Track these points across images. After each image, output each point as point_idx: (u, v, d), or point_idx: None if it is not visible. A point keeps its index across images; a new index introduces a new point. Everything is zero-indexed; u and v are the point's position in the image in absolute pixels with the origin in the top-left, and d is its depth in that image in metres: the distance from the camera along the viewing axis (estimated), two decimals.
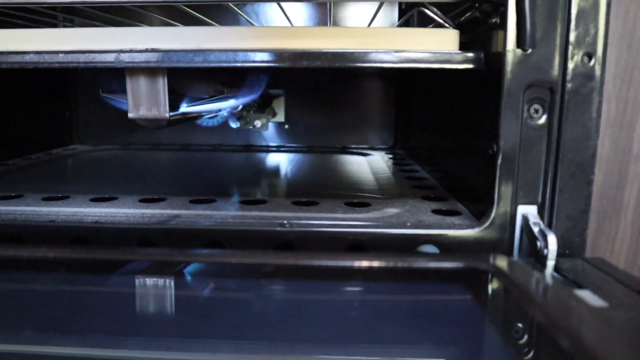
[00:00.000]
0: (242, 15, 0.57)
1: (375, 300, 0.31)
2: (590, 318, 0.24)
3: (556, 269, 0.33)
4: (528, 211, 0.35)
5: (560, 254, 0.33)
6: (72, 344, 0.25)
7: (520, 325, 0.26)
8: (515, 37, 0.33)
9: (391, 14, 0.76)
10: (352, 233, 0.36)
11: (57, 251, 0.34)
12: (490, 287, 0.31)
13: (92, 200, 0.44)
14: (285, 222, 0.37)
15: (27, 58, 0.38)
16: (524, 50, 0.33)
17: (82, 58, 0.37)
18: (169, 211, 0.41)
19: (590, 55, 0.33)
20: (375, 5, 0.73)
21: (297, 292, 0.32)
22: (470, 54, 0.37)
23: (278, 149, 0.80)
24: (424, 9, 0.42)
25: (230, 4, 0.49)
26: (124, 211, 0.41)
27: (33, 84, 0.73)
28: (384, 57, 0.36)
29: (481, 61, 0.37)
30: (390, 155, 0.74)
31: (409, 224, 0.37)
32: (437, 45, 0.37)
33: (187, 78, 0.50)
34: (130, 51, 0.37)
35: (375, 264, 0.32)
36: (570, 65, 0.33)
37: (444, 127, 0.54)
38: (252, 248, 0.37)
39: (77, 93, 0.82)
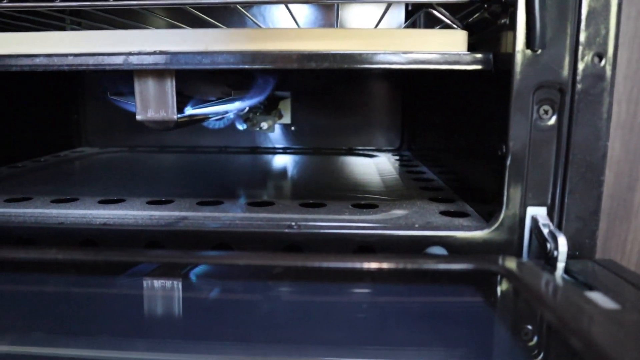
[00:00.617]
0: (249, 17, 0.57)
1: (385, 302, 0.31)
2: (603, 320, 0.24)
3: (566, 270, 0.32)
4: (537, 212, 0.35)
5: (570, 256, 0.33)
6: (82, 346, 0.25)
7: (531, 327, 0.26)
8: (524, 38, 0.33)
9: (397, 15, 0.76)
10: (360, 235, 0.36)
11: (67, 253, 0.34)
12: (500, 289, 0.30)
13: (101, 202, 0.44)
14: (293, 223, 0.37)
15: (37, 61, 0.38)
16: (534, 50, 0.33)
17: (91, 61, 0.37)
18: (176, 213, 0.41)
19: (600, 56, 0.33)
20: (381, 6, 0.73)
21: (306, 294, 0.32)
22: (479, 55, 0.36)
23: (284, 151, 0.80)
24: (431, 10, 0.42)
25: (237, 5, 0.49)
26: (132, 213, 0.41)
27: (41, 87, 0.74)
28: (392, 59, 0.36)
29: (490, 62, 0.36)
30: (397, 157, 0.74)
31: (417, 225, 0.37)
32: (445, 46, 0.37)
33: (194, 80, 0.50)
34: (139, 53, 0.37)
35: (385, 265, 0.32)
36: (581, 66, 0.33)
37: (451, 128, 0.53)
38: (260, 250, 0.37)
39: (85, 95, 0.82)
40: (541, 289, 0.28)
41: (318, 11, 0.76)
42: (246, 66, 0.37)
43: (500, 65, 0.36)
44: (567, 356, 0.23)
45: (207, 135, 0.81)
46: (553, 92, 0.34)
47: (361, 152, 0.78)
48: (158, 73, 0.39)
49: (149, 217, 0.40)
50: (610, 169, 0.38)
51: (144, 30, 0.39)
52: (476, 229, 0.36)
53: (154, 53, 0.37)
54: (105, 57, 0.37)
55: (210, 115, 0.57)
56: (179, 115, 0.41)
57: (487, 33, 0.38)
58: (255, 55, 0.37)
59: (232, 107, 0.58)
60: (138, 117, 0.41)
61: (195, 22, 0.55)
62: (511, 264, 0.31)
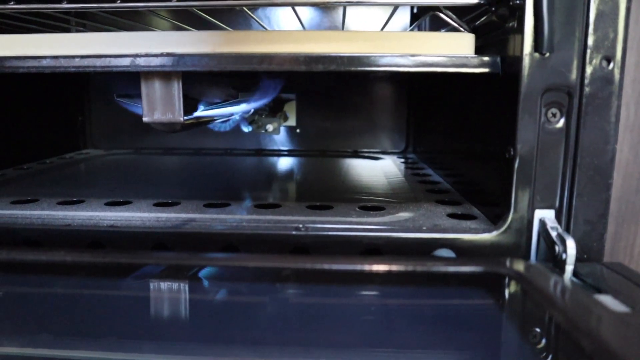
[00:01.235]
0: (254, 19, 0.57)
1: (393, 304, 0.31)
2: (613, 323, 0.24)
3: (575, 273, 0.32)
4: (545, 215, 0.35)
5: (578, 259, 0.33)
6: (90, 348, 0.25)
7: (541, 329, 0.26)
8: (532, 41, 0.33)
9: (402, 18, 0.76)
10: (368, 237, 0.36)
11: (75, 255, 0.34)
12: (509, 292, 0.30)
13: (107, 204, 0.44)
14: (301, 225, 0.37)
15: (44, 63, 0.38)
16: (542, 54, 0.33)
17: (98, 62, 0.37)
18: (183, 215, 0.41)
19: (609, 59, 0.33)
20: (386, 9, 0.73)
21: (314, 297, 0.32)
22: (487, 58, 0.36)
23: (290, 153, 0.80)
24: (438, 12, 0.42)
25: (243, 7, 0.50)
26: (139, 215, 0.41)
27: (47, 89, 0.74)
28: (399, 61, 0.36)
29: (497, 65, 0.36)
30: (403, 159, 0.74)
31: (424, 228, 0.37)
32: (452, 49, 0.37)
33: (200, 82, 0.50)
34: (146, 55, 0.37)
35: (393, 268, 0.32)
36: (589, 69, 0.33)
37: (458, 130, 0.53)
38: (267, 252, 0.37)
39: (90, 97, 0.82)
40: (550, 291, 0.28)
41: (323, 13, 0.77)
42: (253, 68, 0.37)
43: (507, 69, 0.36)
44: (578, 358, 0.23)
45: (212, 138, 0.81)
46: (561, 95, 0.34)
47: (366, 154, 0.78)
48: (165, 75, 0.39)
49: (156, 219, 0.40)
50: (618, 172, 0.38)
51: (151, 32, 0.39)
52: (484, 231, 0.36)
53: (161, 55, 0.37)
54: (113, 58, 0.37)
55: (216, 118, 0.57)
56: (186, 117, 0.41)
57: (495, 36, 0.38)
58: (263, 58, 0.37)
59: (238, 109, 0.58)
60: (145, 119, 0.41)
61: (200, 24, 0.55)
62: (520, 266, 0.31)
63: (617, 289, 0.29)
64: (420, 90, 0.75)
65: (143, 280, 0.33)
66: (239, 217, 0.40)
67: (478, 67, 0.36)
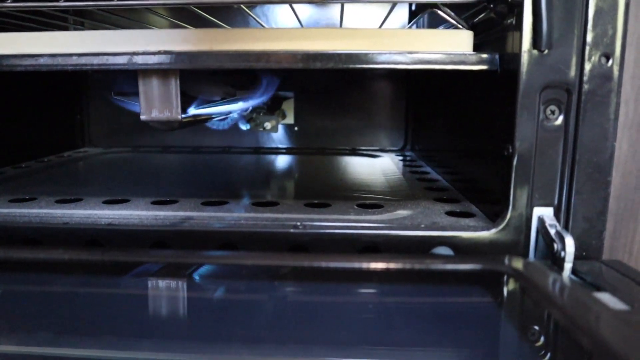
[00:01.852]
0: (252, 17, 0.56)
1: (392, 302, 0.30)
2: (613, 320, 0.24)
3: (573, 271, 0.32)
4: (544, 213, 0.35)
5: (576, 257, 0.33)
6: (88, 346, 0.25)
7: (540, 327, 0.26)
8: (531, 38, 0.33)
9: (401, 16, 0.76)
10: (366, 235, 0.36)
11: (73, 253, 0.34)
12: (509, 289, 0.30)
13: (105, 202, 0.44)
14: (299, 223, 0.37)
15: (42, 61, 0.38)
16: (541, 51, 0.33)
17: (95, 60, 0.37)
18: (181, 213, 0.41)
19: (608, 56, 0.33)
20: (384, 7, 0.73)
21: (312, 295, 0.32)
22: (485, 55, 0.36)
23: (288, 151, 0.80)
24: (437, 10, 0.42)
25: (241, 5, 0.49)
26: (137, 213, 0.41)
27: (45, 87, 0.74)
28: (397, 58, 0.36)
29: (496, 62, 0.36)
30: (401, 157, 0.74)
31: (423, 225, 0.37)
32: (450, 47, 0.37)
33: (198, 80, 0.50)
34: (143, 53, 0.37)
35: (391, 265, 0.32)
36: (588, 66, 0.33)
37: (456, 128, 0.53)
38: (265, 250, 0.37)
39: (88, 96, 0.82)
40: (549, 289, 0.28)
41: (321, 11, 0.76)
42: (251, 66, 0.37)
43: (506, 66, 0.36)
44: (577, 356, 0.23)
45: (210, 136, 0.81)
46: (560, 92, 0.34)
47: (364, 152, 0.78)
48: (162, 73, 0.39)
49: (154, 217, 0.40)
50: (617, 169, 0.38)
51: (148, 30, 0.39)
52: (482, 229, 0.36)
53: (159, 53, 0.37)
54: (110, 57, 0.37)
55: (213, 116, 0.57)
56: (183, 115, 0.41)
57: (493, 33, 0.38)
58: (260, 55, 0.36)
59: (236, 107, 0.58)
60: (142, 117, 0.41)
61: (198, 22, 0.55)
62: (518, 264, 0.31)
63: (616, 287, 0.29)
64: (418, 88, 0.75)
65: (141, 278, 0.33)
66: (237, 215, 0.40)
67: (476, 65, 0.36)
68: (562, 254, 0.32)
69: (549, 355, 0.24)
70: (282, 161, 0.73)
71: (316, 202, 0.44)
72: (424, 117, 0.72)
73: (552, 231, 0.34)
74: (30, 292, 0.32)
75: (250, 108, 0.69)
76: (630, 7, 0.32)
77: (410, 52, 0.36)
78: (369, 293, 0.32)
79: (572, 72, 0.33)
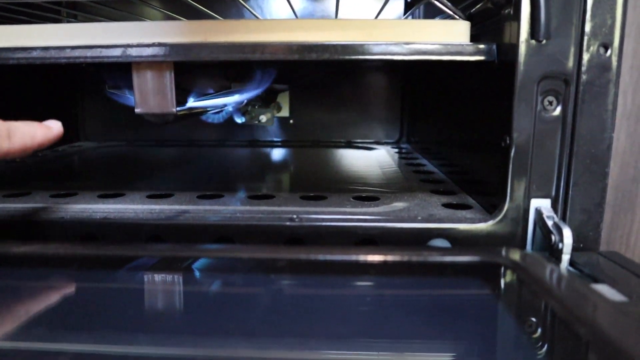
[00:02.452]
0: (247, 8, 0.56)
1: (389, 295, 0.30)
2: (611, 312, 0.24)
3: (571, 262, 0.32)
4: (542, 204, 0.35)
5: (574, 248, 0.33)
6: (83, 341, 0.25)
7: (538, 319, 0.26)
8: (529, 28, 0.33)
9: (396, 6, 0.75)
10: (362, 227, 0.36)
11: (68, 247, 0.34)
12: (506, 281, 0.30)
13: (100, 196, 0.44)
14: (295, 216, 0.37)
15: (34, 54, 0.37)
16: (539, 41, 0.33)
17: (89, 53, 0.37)
18: (177, 207, 0.41)
19: (606, 46, 0.33)
20: None
21: (309, 287, 0.31)
22: (482, 46, 0.36)
23: (283, 144, 0.80)
24: (434, 0, 0.41)
25: None
26: (132, 207, 0.40)
27: (38, 81, 0.73)
28: (393, 49, 0.36)
29: (493, 53, 0.36)
30: (396, 150, 0.74)
31: (419, 218, 0.37)
32: (447, 37, 0.37)
33: (193, 73, 0.49)
34: (138, 45, 0.37)
35: (389, 258, 0.32)
36: (586, 57, 0.33)
37: (452, 120, 0.53)
38: (261, 243, 0.37)
39: (83, 90, 0.81)
40: (547, 280, 0.28)
41: (316, 2, 0.76)
42: (246, 58, 0.36)
43: (503, 56, 0.35)
44: (575, 347, 0.23)
45: (205, 129, 0.80)
46: (558, 82, 0.34)
47: (360, 145, 0.78)
48: (157, 65, 0.39)
49: (149, 210, 0.39)
50: (614, 160, 0.38)
51: (142, 22, 0.39)
52: (479, 221, 0.36)
53: (153, 45, 0.37)
54: (103, 49, 0.37)
55: (209, 109, 0.57)
56: (178, 108, 0.40)
57: (491, 24, 0.38)
58: (255, 47, 0.36)
59: (231, 100, 0.57)
60: (137, 110, 0.40)
61: (192, 14, 0.54)
62: (516, 256, 0.31)
63: (613, 278, 0.29)
64: (415, 80, 0.75)
65: (137, 272, 0.33)
66: (232, 209, 0.40)
67: (473, 55, 0.36)
68: (560, 245, 0.32)
69: (546, 346, 0.24)
70: (277, 154, 0.73)
71: (312, 194, 0.44)
72: (420, 109, 0.72)
73: (550, 223, 0.34)
74: (25, 287, 0.31)
75: (246, 101, 0.68)
76: None
77: (407, 43, 0.36)
78: (366, 286, 0.32)
79: (570, 63, 0.33)
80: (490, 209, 0.38)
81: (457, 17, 0.40)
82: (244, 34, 0.37)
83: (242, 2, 0.55)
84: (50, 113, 0.75)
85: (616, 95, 0.33)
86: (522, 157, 0.35)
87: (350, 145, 0.78)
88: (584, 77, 0.33)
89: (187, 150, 0.76)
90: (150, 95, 0.40)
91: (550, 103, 0.34)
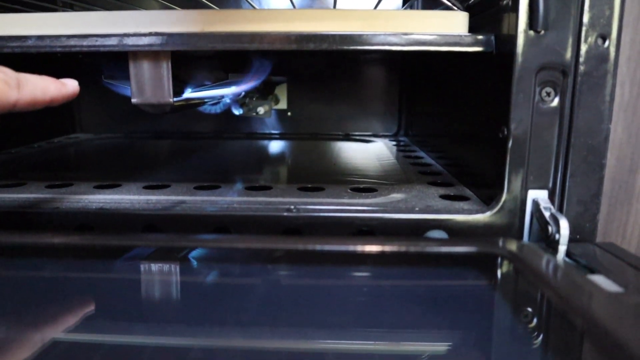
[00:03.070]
0: None
1: (387, 285, 0.30)
2: (607, 302, 0.24)
3: (568, 253, 0.32)
4: (539, 196, 0.35)
5: (571, 239, 0.33)
6: (79, 330, 0.25)
7: (534, 309, 0.26)
8: (527, 19, 0.33)
9: None
10: (360, 218, 0.36)
11: (63, 237, 0.34)
12: (503, 272, 0.30)
13: (96, 187, 0.44)
14: (292, 207, 0.37)
15: (29, 43, 0.37)
16: (537, 32, 0.33)
17: (85, 42, 0.37)
18: (173, 197, 0.40)
19: (604, 37, 0.33)
20: None
21: (306, 278, 0.31)
22: (481, 37, 0.36)
23: (281, 137, 0.80)
24: None
25: None
26: (128, 197, 0.40)
27: (35, 72, 0.73)
28: (392, 40, 0.36)
29: (492, 44, 0.36)
30: (394, 142, 0.73)
31: (417, 209, 0.37)
32: (446, 28, 0.37)
33: (190, 63, 0.49)
34: (134, 35, 0.36)
35: (386, 248, 0.32)
36: (584, 47, 0.33)
37: (450, 112, 0.53)
38: (258, 233, 0.37)
39: (79, 81, 0.81)
40: (543, 271, 0.28)
41: None
42: (243, 48, 0.36)
43: (502, 47, 0.35)
44: (572, 337, 0.23)
45: (203, 121, 0.80)
46: (555, 74, 0.34)
47: (358, 137, 0.78)
48: (154, 55, 0.38)
49: (146, 201, 0.39)
50: (611, 152, 0.38)
51: (138, 11, 0.38)
52: (477, 212, 0.36)
53: (150, 34, 0.36)
54: (100, 38, 0.36)
55: (206, 100, 0.56)
56: (175, 99, 0.40)
57: (489, 14, 0.38)
58: (253, 37, 0.36)
59: (229, 92, 0.57)
60: (133, 101, 0.40)
61: (189, 4, 0.54)
62: (513, 246, 0.31)
63: (609, 269, 0.29)
64: (413, 73, 0.75)
65: (133, 262, 0.33)
66: (229, 199, 0.40)
67: (472, 46, 0.36)
68: (557, 236, 0.32)
69: (542, 336, 0.24)
70: (275, 146, 0.73)
71: (310, 186, 0.44)
72: (418, 101, 0.72)
73: (547, 214, 0.34)
74: (19, 277, 0.31)
75: (243, 93, 0.68)
76: None
77: (405, 34, 0.36)
78: (363, 276, 0.32)
79: (568, 54, 0.33)
80: (488, 200, 0.38)
81: (456, 8, 0.40)
82: (242, 24, 0.37)
83: None
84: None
85: (614, 86, 0.33)
86: (519, 148, 0.35)
87: (348, 137, 0.78)
88: (581, 68, 0.33)
89: (184, 143, 0.76)
90: (146, 85, 0.39)
91: (548, 94, 0.34)
